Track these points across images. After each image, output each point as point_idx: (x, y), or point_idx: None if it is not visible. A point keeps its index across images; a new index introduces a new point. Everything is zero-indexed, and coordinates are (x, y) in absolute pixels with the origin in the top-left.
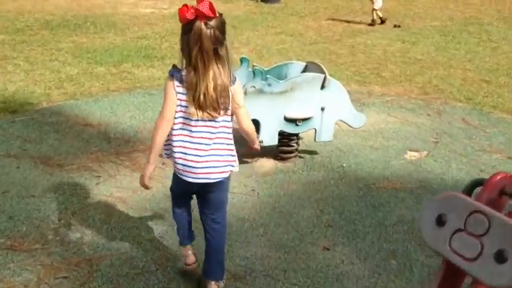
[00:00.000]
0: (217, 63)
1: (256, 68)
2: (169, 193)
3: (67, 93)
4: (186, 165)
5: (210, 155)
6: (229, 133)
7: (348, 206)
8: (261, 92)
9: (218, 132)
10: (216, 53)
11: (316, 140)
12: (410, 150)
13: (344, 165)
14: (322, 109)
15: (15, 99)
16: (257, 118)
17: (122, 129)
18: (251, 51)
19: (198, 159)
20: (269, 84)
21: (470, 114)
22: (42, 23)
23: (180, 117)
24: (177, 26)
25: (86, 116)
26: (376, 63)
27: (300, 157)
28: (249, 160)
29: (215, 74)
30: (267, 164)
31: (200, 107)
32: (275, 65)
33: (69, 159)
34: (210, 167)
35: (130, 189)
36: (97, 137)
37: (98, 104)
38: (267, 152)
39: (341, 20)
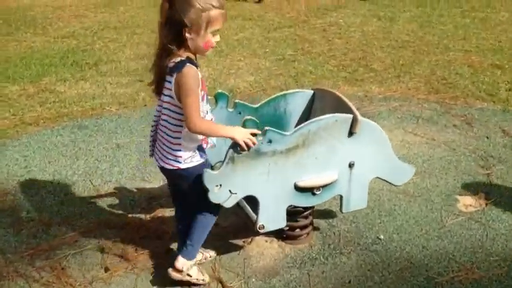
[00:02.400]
0: None
1: (248, 119)
2: None
3: None
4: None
5: None
6: None
7: None
8: (257, 153)
9: None
10: None
11: (344, 211)
12: (460, 195)
13: (381, 237)
14: (351, 165)
15: None
16: (253, 194)
17: (40, 201)
18: None
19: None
20: (269, 141)
21: (507, 121)
22: None
23: None
24: (113, 17)
25: None
26: (360, 50)
27: (316, 228)
28: (239, 242)
29: None
30: (268, 248)
31: None
32: (269, 98)
33: None
34: None
35: None
36: None
37: (4, 152)
38: None
39: None
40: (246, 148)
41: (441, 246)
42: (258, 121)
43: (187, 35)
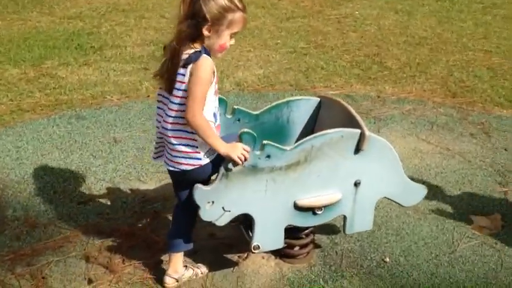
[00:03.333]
0: None
1: (244, 132)
2: None
3: None
4: None
5: None
6: None
7: None
8: (253, 169)
9: None
10: None
11: (347, 232)
12: (475, 214)
13: (387, 259)
14: (357, 184)
15: None
16: (249, 212)
17: (28, 198)
18: None
19: None
20: (267, 156)
21: None
22: None
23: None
24: None
25: None
26: (375, 45)
27: (317, 245)
28: (233, 257)
29: None
30: (264, 266)
31: None
32: (271, 106)
33: None
34: None
35: None
36: None
37: None
38: None
39: None
40: (241, 163)
41: (452, 273)
42: (255, 134)
43: (205, 32)
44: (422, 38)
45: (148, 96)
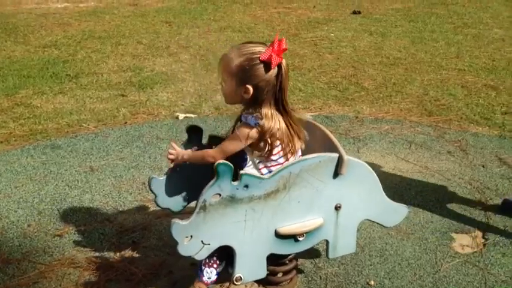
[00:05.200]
0: None
1: (220, 163)
2: None
3: None
4: None
5: None
6: None
7: None
8: (232, 200)
9: None
10: None
11: (330, 256)
12: (456, 233)
13: (372, 283)
14: (337, 208)
15: None
16: (229, 244)
17: (0, 233)
18: (194, 57)
19: None
20: (245, 186)
21: (503, 148)
22: None
23: None
24: (97, 26)
25: None
26: (351, 66)
27: (300, 271)
28: (215, 287)
29: None
30: None
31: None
32: None
33: None
34: None
35: None
36: None
37: None
38: None
39: (292, 8)
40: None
41: None
42: (231, 165)
43: None
44: (396, 59)
45: (126, 122)
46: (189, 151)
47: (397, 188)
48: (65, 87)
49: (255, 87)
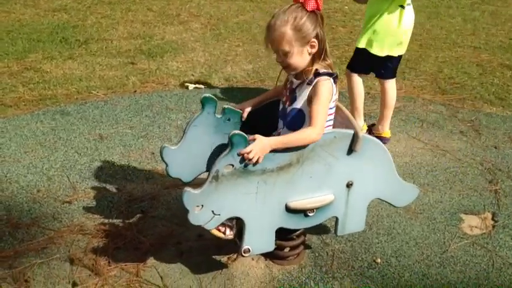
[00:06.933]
0: None
1: (235, 133)
2: None
3: None
4: None
5: None
6: None
7: None
8: (244, 171)
9: None
10: None
11: (339, 233)
12: (465, 214)
13: (378, 260)
14: (349, 186)
15: None
16: (239, 215)
17: (10, 197)
18: (204, 26)
19: None
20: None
21: None
22: None
23: None
24: None
25: None
26: None
27: (307, 246)
28: (222, 258)
29: None
30: (253, 268)
31: None
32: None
33: None
34: None
35: None
36: None
37: None
38: None
39: None
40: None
41: (443, 274)
42: (246, 136)
43: None
44: (412, 34)
45: (135, 91)
46: (271, 139)
47: (407, 166)
48: (74, 53)
49: (316, 37)
